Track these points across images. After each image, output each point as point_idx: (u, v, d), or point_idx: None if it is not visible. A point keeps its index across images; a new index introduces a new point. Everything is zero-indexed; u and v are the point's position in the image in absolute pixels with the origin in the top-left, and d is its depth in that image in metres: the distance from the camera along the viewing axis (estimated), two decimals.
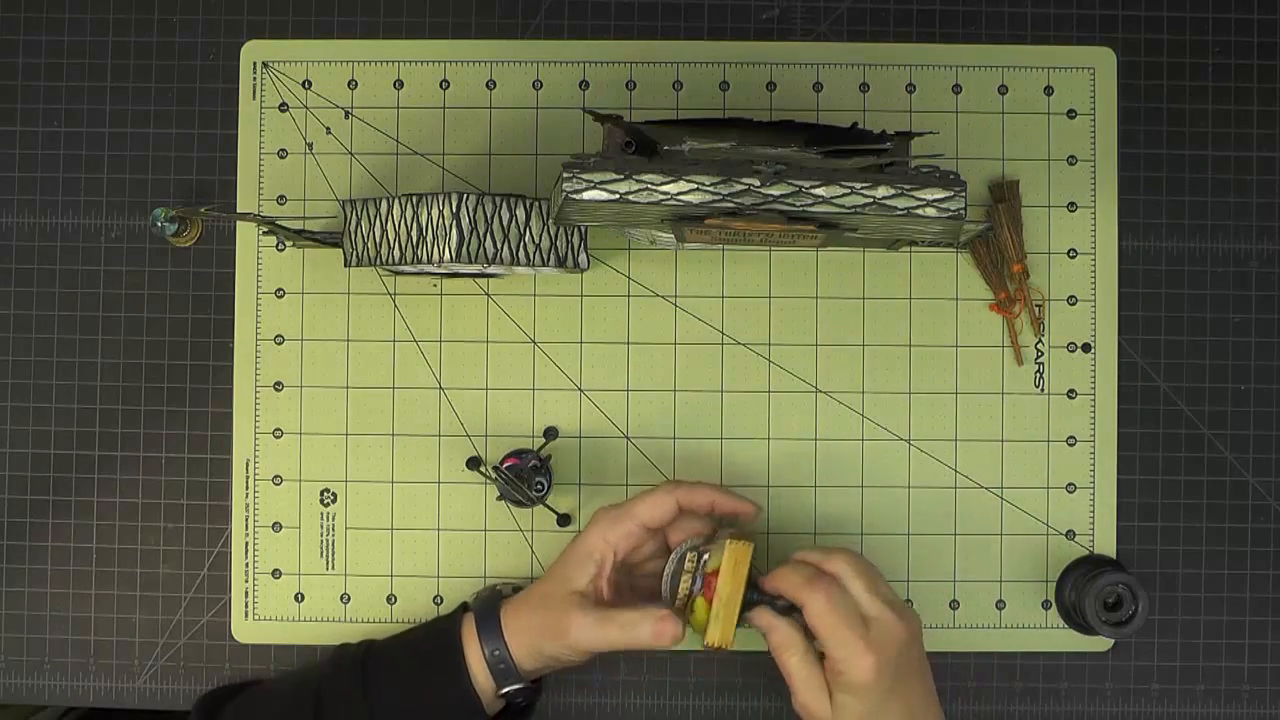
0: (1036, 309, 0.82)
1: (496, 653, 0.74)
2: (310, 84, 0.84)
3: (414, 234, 0.75)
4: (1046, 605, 0.82)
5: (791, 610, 0.71)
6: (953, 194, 0.68)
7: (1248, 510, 0.82)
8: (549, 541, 0.83)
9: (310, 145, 0.83)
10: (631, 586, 0.77)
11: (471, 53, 0.84)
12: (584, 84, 0.83)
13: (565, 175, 0.68)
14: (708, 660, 0.83)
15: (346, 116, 0.83)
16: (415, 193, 0.75)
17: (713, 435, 0.83)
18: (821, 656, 0.71)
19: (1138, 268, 0.83)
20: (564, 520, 0.82)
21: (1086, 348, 0.82)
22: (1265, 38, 0.83)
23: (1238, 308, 0.83)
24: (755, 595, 0.71)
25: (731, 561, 0.71)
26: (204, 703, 0.79)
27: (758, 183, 0.68)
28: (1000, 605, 0.82)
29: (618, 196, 0.68)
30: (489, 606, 0.76)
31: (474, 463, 0.81)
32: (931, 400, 0.82)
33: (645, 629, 0.71)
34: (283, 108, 0.84)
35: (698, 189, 0.68)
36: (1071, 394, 0.82)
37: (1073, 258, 0.83)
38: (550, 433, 0.83)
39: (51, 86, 0.84)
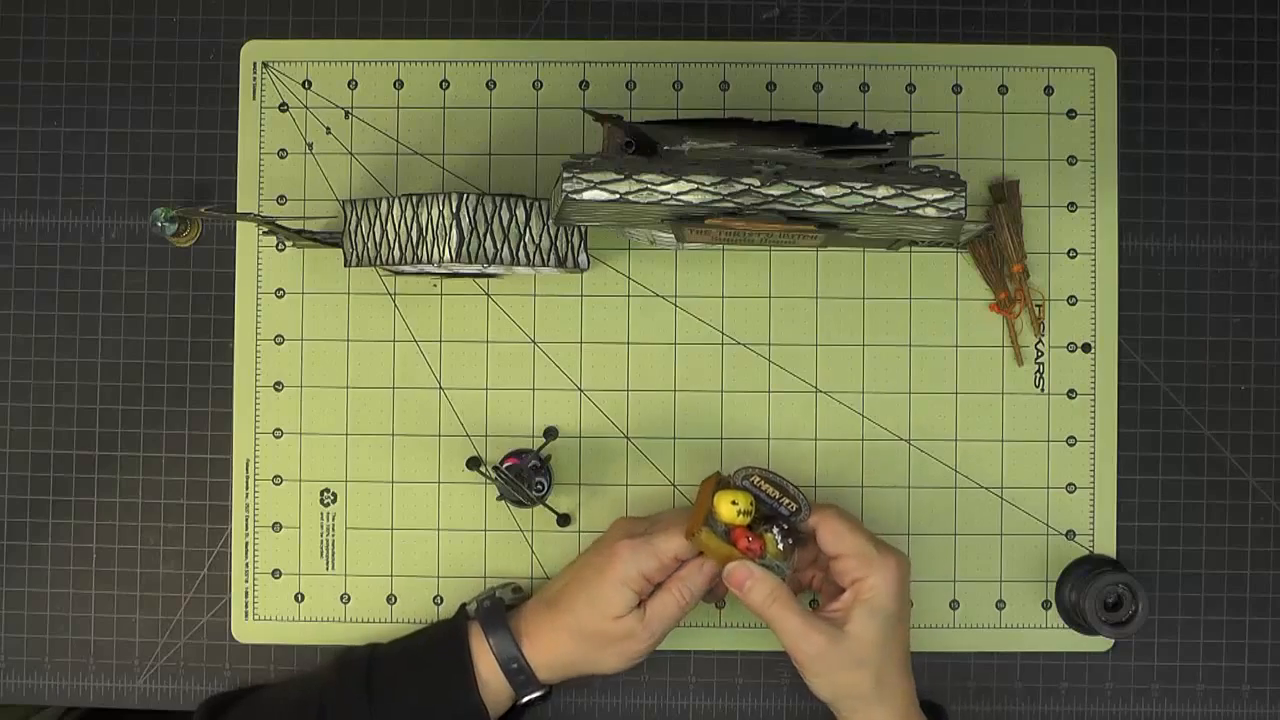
0: (1036, 309, 0.82)
1: (515, 665, 0.74)
2: (310, 84, 0.84)
3: (414, 234, 0.75)
4: (1046, 605, 0.82)
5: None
6: (953, 194, 0.68)
7: (1248, 510, 0.82)
8: (549, 541, 0.83)
9: (310, 145, 0.83)
10: None
11: (471, 53, 0.84)
12: (584, 84, 0.83)
13: (565, 175, 0.68)
14: (708, 660, 0.83)
15: (346, 116, 0.83)
16: (415, 193, 0.75)
17: (713, 435, 0.83)
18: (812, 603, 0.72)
19: (1138, 268, 0.83)
20: (564, 520, 0.82)
21: (1086, 348, 0.82)
22: (1265, 38, 0.83)
23: (1238, 308, 0.83)
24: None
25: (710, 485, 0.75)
26: (206, 708, 0.79)
27: (758, 183, 0.68)
28: (1000, 605, 0.82)
29: (618, 196, 0.68)
30: (495, 615, 0.76)
31: (474, 463, 0.81)
32: (931, 400, 0.82)
33: (702, 572, 0.74)
34: (283, 108, 0.84)
35: (698, 189, 0.68)
36: (1071, 394, 0.82)
37: (1073, 258, 0.83)
38: (550, 433, 0.82)
39: (51, 86, 0.84)
